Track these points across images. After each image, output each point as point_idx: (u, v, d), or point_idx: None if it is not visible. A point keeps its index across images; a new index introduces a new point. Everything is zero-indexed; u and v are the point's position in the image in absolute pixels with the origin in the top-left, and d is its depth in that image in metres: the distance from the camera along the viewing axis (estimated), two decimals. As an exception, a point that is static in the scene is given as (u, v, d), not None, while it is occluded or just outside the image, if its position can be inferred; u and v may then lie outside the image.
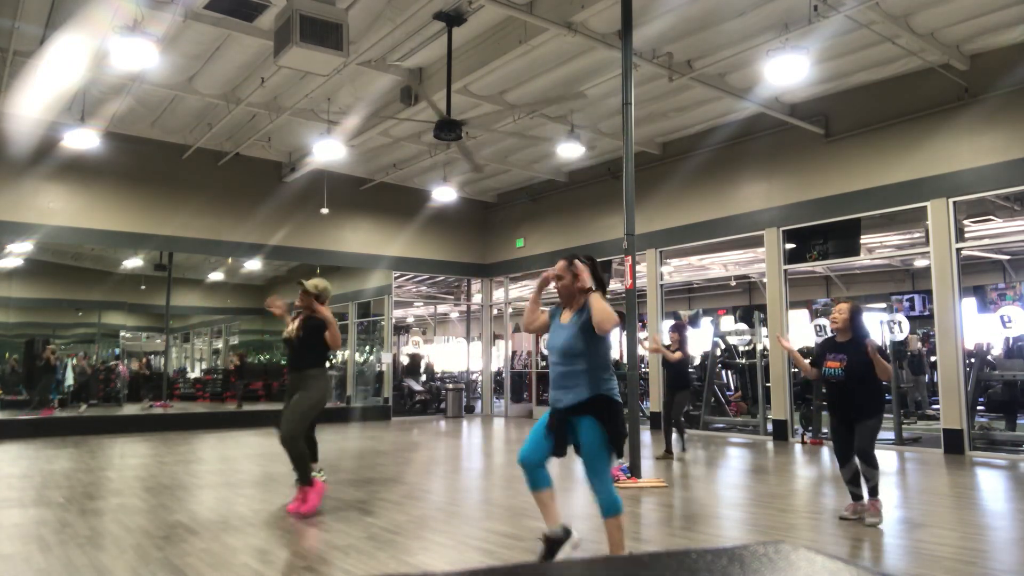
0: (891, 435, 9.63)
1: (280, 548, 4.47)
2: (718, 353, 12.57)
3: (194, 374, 19.78)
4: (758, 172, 10.81)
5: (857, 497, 5.06)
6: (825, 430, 9.98)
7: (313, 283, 5.44)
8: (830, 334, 5.28)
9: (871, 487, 4.98)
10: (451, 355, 22.25)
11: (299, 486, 5.31)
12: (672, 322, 11.50)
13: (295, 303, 5.53)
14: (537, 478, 3.67)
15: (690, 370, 8.89)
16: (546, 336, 3.93)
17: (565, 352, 3.61)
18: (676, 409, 8.52)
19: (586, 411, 3.52)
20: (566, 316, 3.74)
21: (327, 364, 5.59)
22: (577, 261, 3.74)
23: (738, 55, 8.47)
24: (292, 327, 5.45)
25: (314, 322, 5.34)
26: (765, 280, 10.77)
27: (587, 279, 3.64)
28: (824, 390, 5.19)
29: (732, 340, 13.26)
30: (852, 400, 4.97)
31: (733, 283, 17.59)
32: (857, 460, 5.00)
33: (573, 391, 3.57)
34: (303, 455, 5.20)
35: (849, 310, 5.10)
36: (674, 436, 8.58)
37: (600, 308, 3.49)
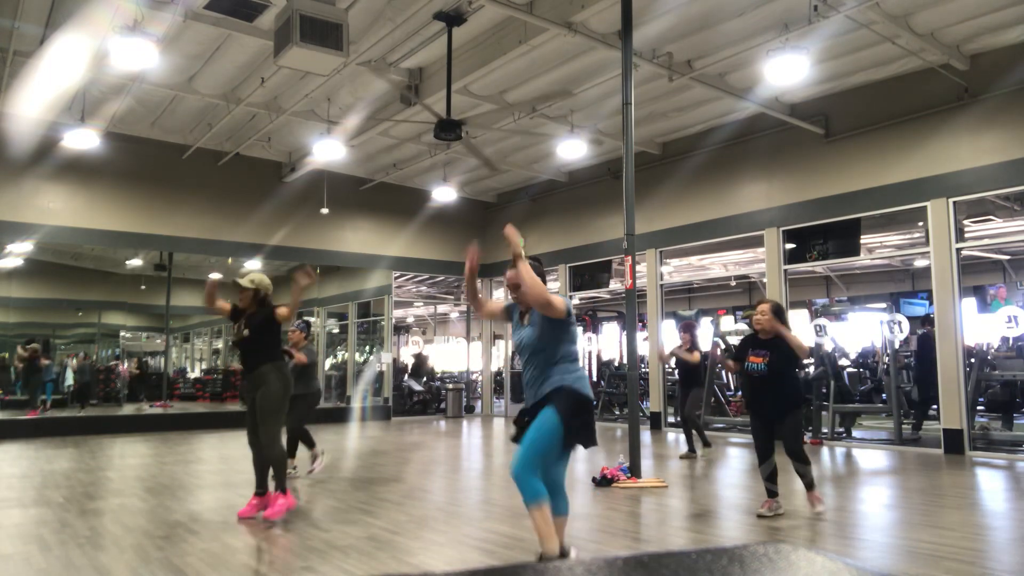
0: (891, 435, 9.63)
1: (280, 548, 4.47)
2: (718, 353, 12.56)
3: (194, 374, 19.79)
4: (758, 172, 10.80)
5: (773, 494, 5.21)
6: (825, 430, 9.99)
7: (249, 277, 5.22)
8: (753, 331, 5.52)
9: (807, 483, 5.17)
10: (451, 355, 22.26)
11: (258, 495, 5.16)
12: (679, 322, 11.40)
13: (238, 304, 5.29)
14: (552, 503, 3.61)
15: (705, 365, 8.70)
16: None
17: (532, 348, 3.60)
18: (690, 407, 8.43)
19: (547, 401, 3.51)
20: (527, 318, 3.72)
21: (282, 358, 5.33)
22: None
23: (738, 55, 8.47)
24: (238, 328, 5.22)
25: (259, 318, 5.13)
26: (765, 280, 10.77)
27: (516, 242, 3.50)
28: (745, 388, 5.38)
29: (732, 340, 13.26)
30: (772, 395, 5.17)
31: (733, 283, 17.59)
32: (791, 460, 5.17)
33: (541, 387, 3.56)
34: (282, 460, 5.07)
35: (771, 310, 5.30)
36: (694, 434, 8.42)
37: (531, 278, 3.45)
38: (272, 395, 5.07)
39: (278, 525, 4.94)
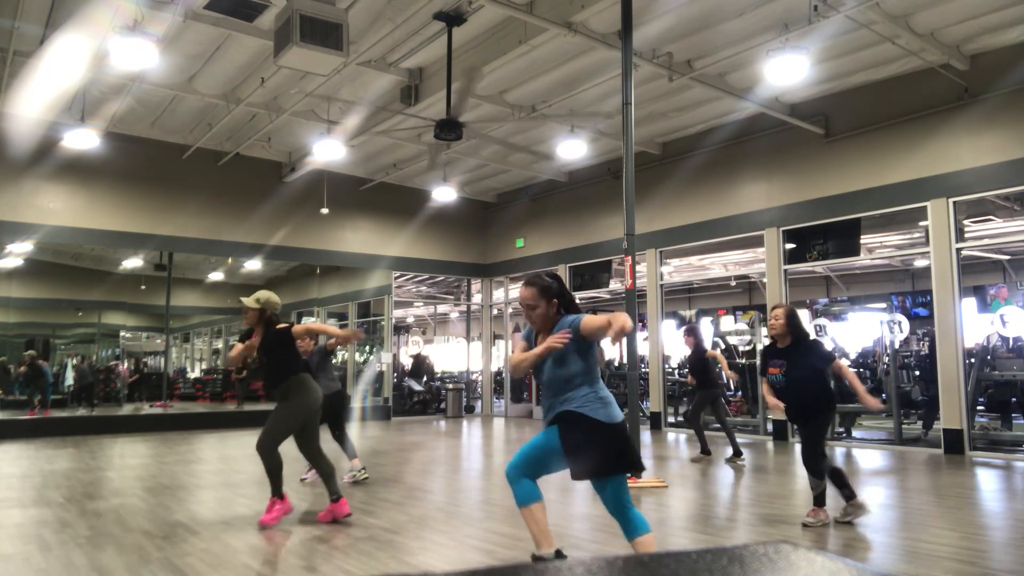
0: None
1: (280, 548, 4.47)
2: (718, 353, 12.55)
3: (194, 374, 19.78)
4: (758, 172, 10.80)
5: (850, 496, 5.04)
6: (825, 430, 9.97)
7: (255, 296, 5.13)
8: (769, 340, 5.27)
9: (816, 495, 4.94)
10: (451, 355, 22.27)
11: (273, 497, 5.13)
12: (682, 325, 11.34)
13: (244, 325, 5.20)
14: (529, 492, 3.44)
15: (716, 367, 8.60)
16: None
17: (553, 380, 3.36)
18: (695, 409, 8.38)
19: (555, 422, 3.33)
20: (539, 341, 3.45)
21: (304, 368, 5.22)
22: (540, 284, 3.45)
23: (738, 55, 8.47)
24: (258, 359, 5.15)
25: (271, 338, 5.06)
26: (765, 280, 10.77)
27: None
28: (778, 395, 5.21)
29: (732, 340, 13.27)
30: (792, 402, 4.97)
31: (733, 283, 17.59)
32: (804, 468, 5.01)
33: (557, 411, 3.36)
34: (276, 467, 5.05)
35: (785, 314, 5.05)
36: (707, 436, 8.39)
37: (592, 326, 3.26)
38: (291, 407, 5.04)
39: (278, 525, 4.94)
